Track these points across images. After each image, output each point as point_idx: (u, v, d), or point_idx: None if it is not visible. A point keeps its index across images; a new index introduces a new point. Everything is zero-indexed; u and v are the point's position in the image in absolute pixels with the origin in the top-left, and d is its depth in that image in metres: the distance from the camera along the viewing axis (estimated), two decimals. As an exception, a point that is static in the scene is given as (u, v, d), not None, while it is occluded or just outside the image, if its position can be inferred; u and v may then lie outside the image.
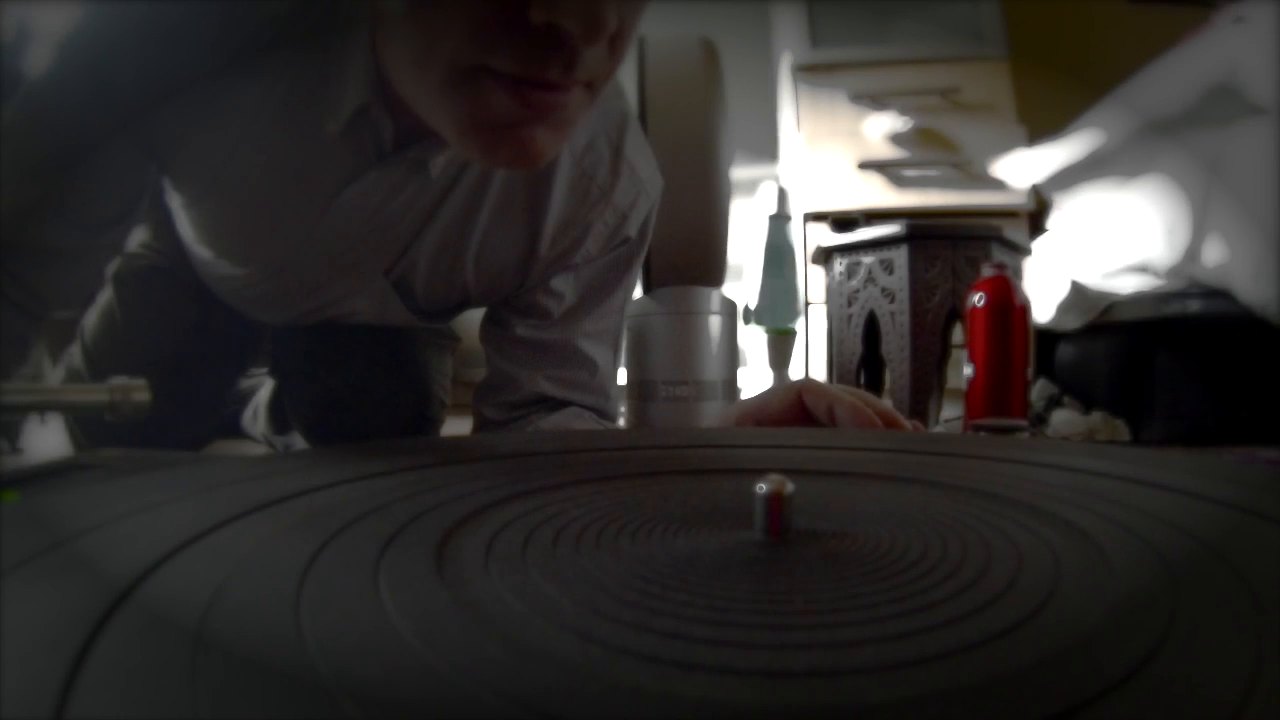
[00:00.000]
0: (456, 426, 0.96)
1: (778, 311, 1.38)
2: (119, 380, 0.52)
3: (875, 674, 0.11)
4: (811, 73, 1.82)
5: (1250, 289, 1.09)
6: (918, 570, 0.16)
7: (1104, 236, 1.29)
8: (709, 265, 1.02)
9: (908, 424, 0.46)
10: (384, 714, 0.10)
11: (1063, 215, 1.45)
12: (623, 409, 0.96)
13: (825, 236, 1.39)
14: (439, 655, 0.12)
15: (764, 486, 0.18)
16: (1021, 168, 1.57)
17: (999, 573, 0.16)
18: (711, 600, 0.14)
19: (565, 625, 0.13)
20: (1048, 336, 1.40)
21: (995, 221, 1.28)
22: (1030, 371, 0.94)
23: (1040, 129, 1.56)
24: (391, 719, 0.10)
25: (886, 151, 1.75)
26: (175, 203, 0.65)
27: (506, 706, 0.10)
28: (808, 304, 1.65)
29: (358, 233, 0.62)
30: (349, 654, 0.12)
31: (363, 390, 0.81)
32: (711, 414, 0.93)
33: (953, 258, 1.16)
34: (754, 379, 1.43)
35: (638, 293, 1.00)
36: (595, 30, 0.38)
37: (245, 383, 1.06)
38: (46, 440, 0.77)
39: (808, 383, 0.46)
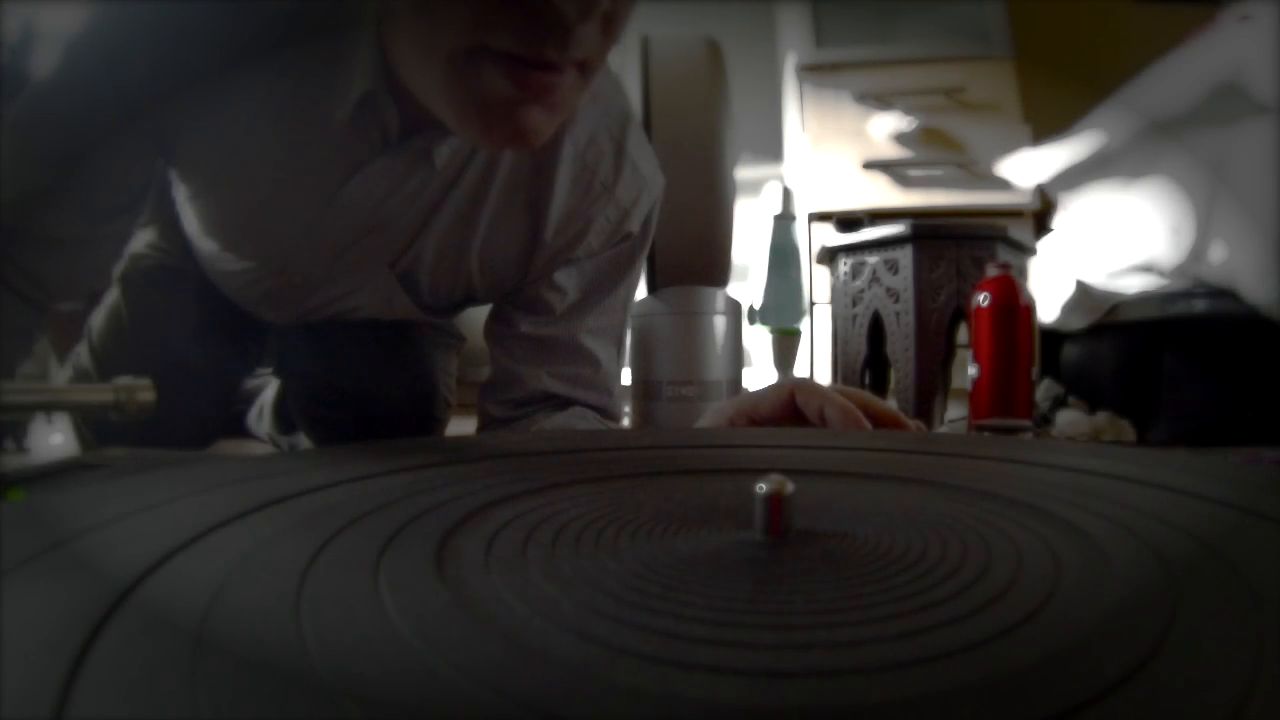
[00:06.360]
0: (461, 426, 0.96)
1: (782, 312, 1.38)
2: (124, 380, 0.52)
3: (875, 674, 0.11)
4: (816, 72, 1.82)
5: (1256, 288, 1.08)
6: (918, 570, 0.16)
7: (1109, 236, 1.29)
8: (714, 265, 1.01)
9: (911, 424, 0.45)
10: (384, 714, 0.10)
11: (1068, 215, 1.45)
12: (627, 409, 0.96)
13: (830, 236, 1.39)
14: (439, 655, 0.12)
15: (764, 486, 0.18)
16: (1026, 167, 1.57)
17: (999, 573, 0.16)
18: (711, 600, 0.14)
19: (565, 625, 0.13)
20: (1053, 336, 1.40)
21: (1000, 221, 1.28)
22: (1035, 371, 0.93)
23: (1045, 128, 1.55)
24: (391, 719, 0.10)
25: (891, 151, 1.75)
26: (181, 195, 0.66)
27: (506, 706, 0.10)
28: (813, 304, 1.65)
29: (363, 224, 0.62)
30: (349, 654, 0.12)
31: (368, 389, 0.81)
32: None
33: (958, 258, 1.16)
34: (759, 379, 1.43)
35: (642, 293, 1.00)
36: (587, 8, 0.42)
37: (251, 382, 1.06)
38: (52, 439, 0.78)
39: (800, 382, 0.46)
